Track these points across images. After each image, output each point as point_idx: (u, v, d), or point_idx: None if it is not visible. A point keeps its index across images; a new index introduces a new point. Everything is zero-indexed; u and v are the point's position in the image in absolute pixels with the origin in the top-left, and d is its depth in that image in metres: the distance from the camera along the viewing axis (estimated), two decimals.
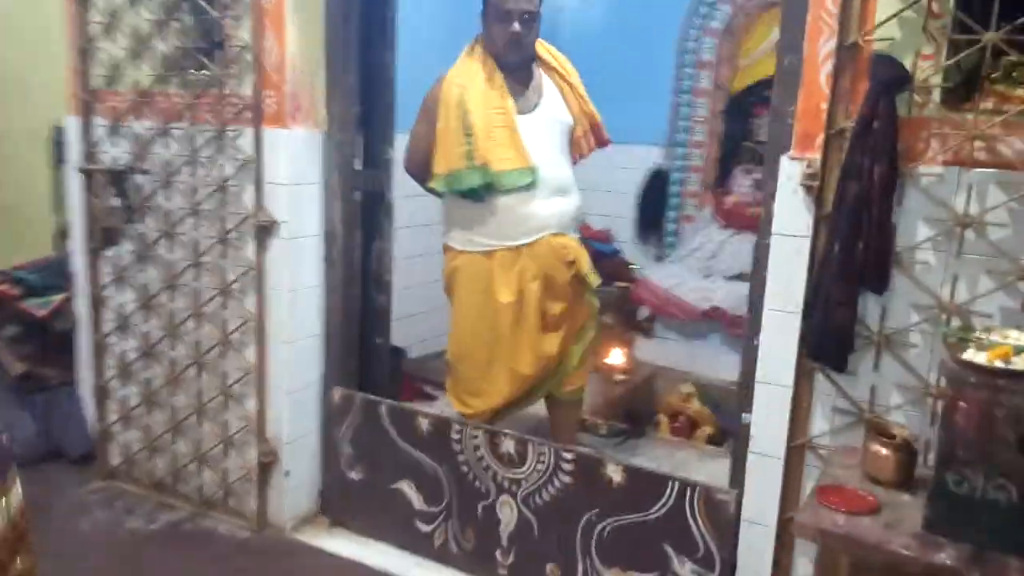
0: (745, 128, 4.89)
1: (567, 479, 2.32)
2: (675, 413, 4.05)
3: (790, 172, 1.77)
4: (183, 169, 2.66)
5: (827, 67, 1.71)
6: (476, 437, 2.46)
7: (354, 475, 2.73)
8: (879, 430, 1.56)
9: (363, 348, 2.89)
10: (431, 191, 2.72)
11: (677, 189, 5.24)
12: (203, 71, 2.58)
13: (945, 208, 1.63)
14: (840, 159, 1.67)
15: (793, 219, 1.78)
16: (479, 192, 2.56)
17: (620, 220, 5.42)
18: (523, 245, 2.62)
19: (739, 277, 4.62)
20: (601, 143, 2.99)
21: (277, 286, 2.60)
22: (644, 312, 5.12)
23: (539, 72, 2.75)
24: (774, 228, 1.82)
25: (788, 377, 1.81)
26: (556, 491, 2.34)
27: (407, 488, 2.62)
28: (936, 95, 1.62)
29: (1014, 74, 1.55)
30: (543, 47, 2.78)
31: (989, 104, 1.56)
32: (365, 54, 2.68)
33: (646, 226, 5.37)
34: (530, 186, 2.58)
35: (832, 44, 1.69)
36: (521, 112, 2.61)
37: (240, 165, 2.54)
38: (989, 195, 1.58)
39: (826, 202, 1.71)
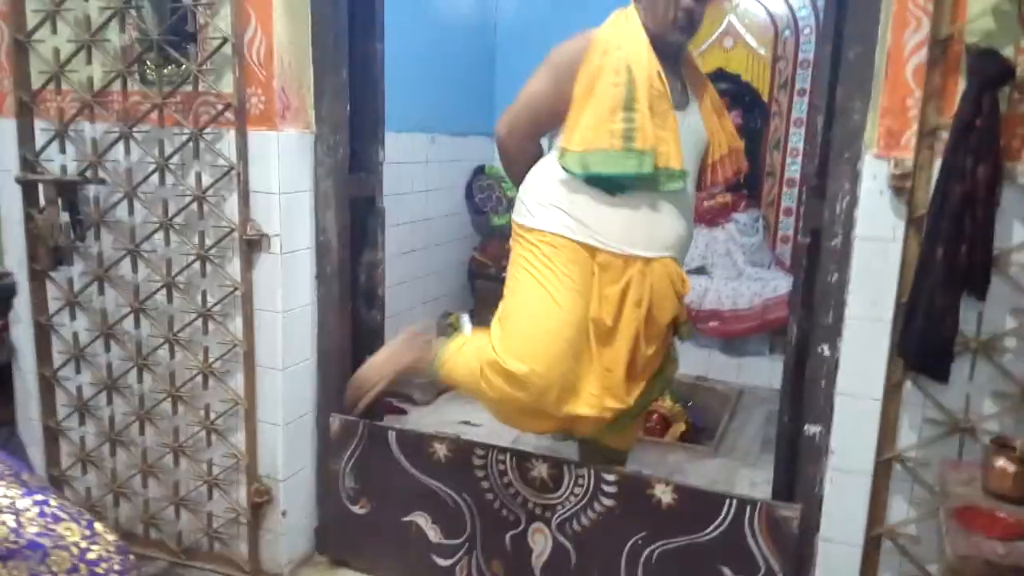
0: None
1: (609, 502, 2.17)
2: (647, 413, 3.98)
3: (875, 171, 1.67)
4: (149, 179, 2.33)
5: (914, 61, 1.62)
6: (503, 461, 2.27)
7: (358, 509, 2.48)
8: (999, 443, 1.49)
9: (355, 369, 2.64)
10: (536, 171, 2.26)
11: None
12: (171, 66, 2.26)
13: None
14: (930, 158, 1.59)
15: (879, 221, 1.69)
16: (622, 182, 2.06)
17: None
18: (639, 258, 2.11)
19: (699, 271, 4.61)
20: (737, 171, 2.36)
21: (267, 306, 2.32)
22: None
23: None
24: (858, 231, 1.72)
25: (876, 388, 1.72)
26: (597, 516, 2.19)
27: (422, 520, 2.41)
28: None
29: None
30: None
31: None
32: (352, 46, 2.43)
33: None
34: (678, 192, 2.12)
35: (919, 37, 1.60)
36: (676, 107, 2.10)
37: (222, 173, 2.25)
38: None
39: (917, 203, 1.62)
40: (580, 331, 2.15)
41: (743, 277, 4.48)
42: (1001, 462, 1.45)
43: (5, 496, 1.29)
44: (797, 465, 2.01)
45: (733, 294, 4.37)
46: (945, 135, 1.55)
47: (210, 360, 2.37)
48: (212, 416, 2.41)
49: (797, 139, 4.74)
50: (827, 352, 1.86)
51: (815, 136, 2.01)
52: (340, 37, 2.32)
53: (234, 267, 2.30)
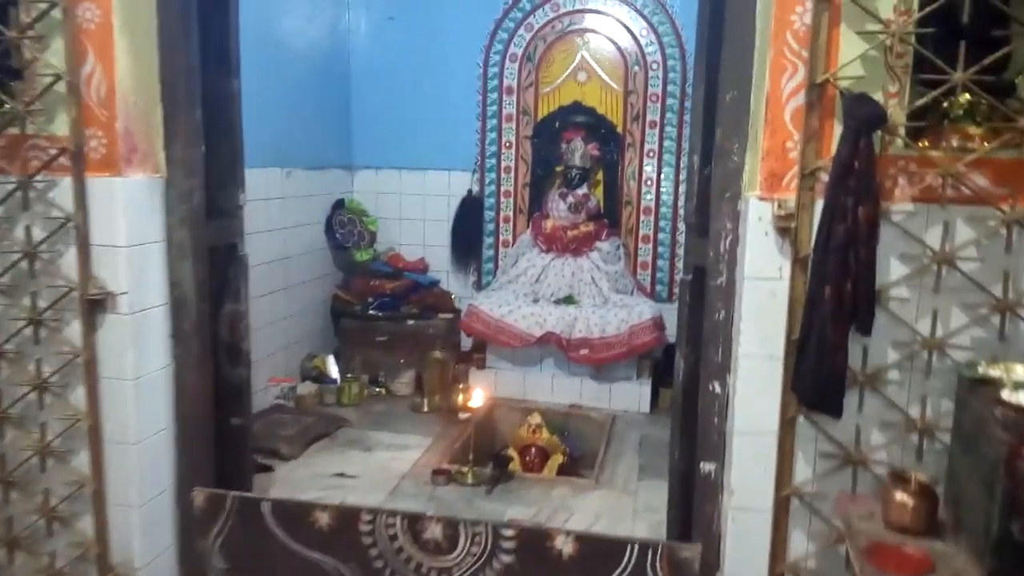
0: (555, 152, 4.95)
1: (509, 559, 2.07)
2: (526, 446, 3.94)
3: (759, 213, 1.70)
4: None
5: (792, 105, 1.66)
6: (392, 525, 2.13)
7: None
8: (895, 476, 1.53)
9: (219, 434, 2.41)
10: None
11: (492, 215, 5.16)
12: None
13: (919, 244, 1.65)
14: (812, 199, 1.64)
15: (766, 261, 1.71)
16: None
17: (435, 249, 5.24)
18: None
19: (566, 300, 4.65)
20: None
21: (115, 374, 2.06)
22: (467, 343, 4.98)
23: None
24: (746, 272, 1.74)
25: (771, 425, 1.74)
26: (497, 574, 2.08)
27: None
28: (901, 132, 1.64)
29: (974, 112, 1.61)
30: None
31: (953, 142, 1.61)
32: (205, 83, 2.23)
33: (463, 253, 5.24)
34: None
35: (795, 81, 1.65)
36: None
37: (57, 225, 1.97)
38: (959, 230, 1.63)
39: (802, 243, 1.66)
40: None
41: (609, 304, 4.55)
42: (900, 496, 1.49)
43: None
44: (694, 503, 2.00)
45: (601, 321, 4.42)
46: (825, 176, 1.60)
47: (48, 438, 2.06)
48: (53, 502, 2.10)
49: (651, 169, 4.92)
50: (718, 389, 1.88)
51: (693, 175, 2.04)
52: (192, 74, 2.12)
53: (73, 331, 2.02)
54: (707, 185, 1.99)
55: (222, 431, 2.42)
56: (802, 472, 1.78)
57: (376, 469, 3.55)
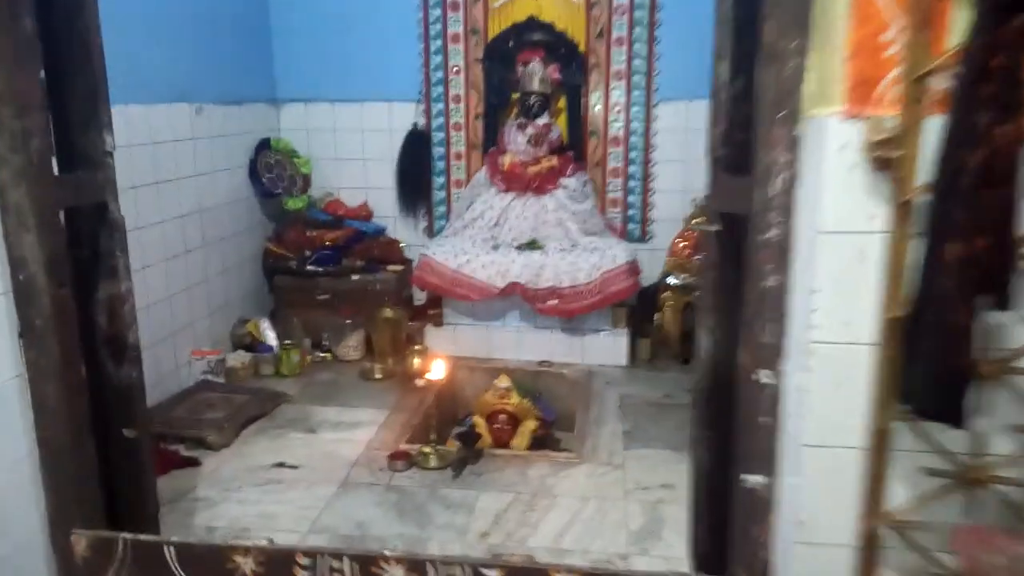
0: (510, 77, 4.34)
1: None
2: (494, 413, 3.47)
3: (841, 138, 1.18)
4: None
5: None
6: (339, 569, 1.62)
7: None
8: None
9: (107, 452, 1.86)
10: None
11: (442, 152, 4.56)
12: None
13: None
14: (921, 117, 1.13)
15: (851, 207, 1.21)
16: None
17: (379, 192, 4.63)
18: None
19: (530, 245, 4.12)
20: None
21: None
22: (420, 297, 4.44)
23: None
24: (820, 222, 1.23)
25: (855, 433, 1.27)
26: None
27: None
28: None
29: None
30: None
31: None
32: None
33: (411, 196, 4.64)
34: None
35: None
36: None
37: None
38: None
39: (907, 182, 1.16)
40: None
41: (579, 249, 4.05)
42: None
43: None
44: (730, 521, 1.54)
45: (571, 268, 3.93)
46: (944, 83, 1.09)
47: None
48: None
49: (619, 93, 4.36)
50: (766, 379, 1.39)
51: (719, 90, 1.51)
52: None
53: None
54: (738, 103, 1.46)
55: (111, 448, 1.88)
56: (897, 495, 1.32)
57: (322, 455, 3.05)
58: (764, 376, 1.39)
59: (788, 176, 1.30)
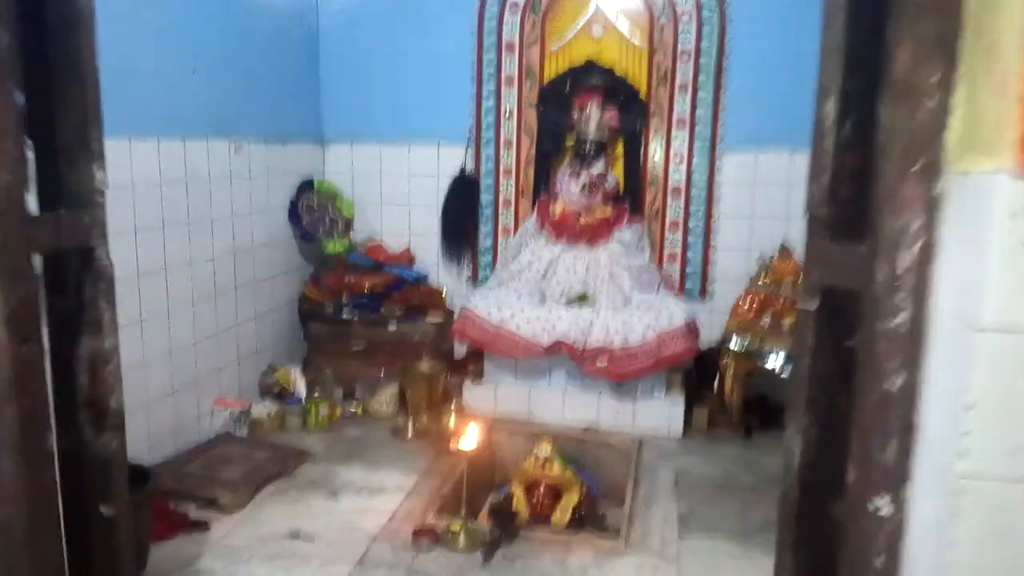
0: (565, 122, 4.10)
1: None
2: (534, 483, 3.14)
3: (1015, 203, 0.87)
4: None
5: None
6: None
7: None
8: None
9: (83, 531, 1.60)
10: None
11: (490, 198, 4.32)
12: None
13: None
14: None
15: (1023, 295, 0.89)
16: None
17: (422, 238, 4.40)
18: None
19: (580, 300, 3.82)
20: None
21: None
22: (460, 350, 4.16)
23: None
24: (975, 316, 0.91)
25: None
26: None
27: None
28: None
29: None
30: None
31: None
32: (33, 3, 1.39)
33: (455, 243, 4.39)
34: None
35: None
36: None
37: None
38: None
39: None
40: None
41: (632, 305, 3.74)
42: None
43: None
44: None
45: (623, 327, 3.61)
46: None
47: None
48: None
49: (681, 141, 4.07)
50: (886, 511, 1.06)
51: (822, 135, 1.21)
52: None
53: None
54: (846, 150, 1.17)
55: (88, 527, 1.62)
56: None
57: (341, 526, 2.76)
58: (882, 506, 1.06)
59: (924, 247, 0.99)
